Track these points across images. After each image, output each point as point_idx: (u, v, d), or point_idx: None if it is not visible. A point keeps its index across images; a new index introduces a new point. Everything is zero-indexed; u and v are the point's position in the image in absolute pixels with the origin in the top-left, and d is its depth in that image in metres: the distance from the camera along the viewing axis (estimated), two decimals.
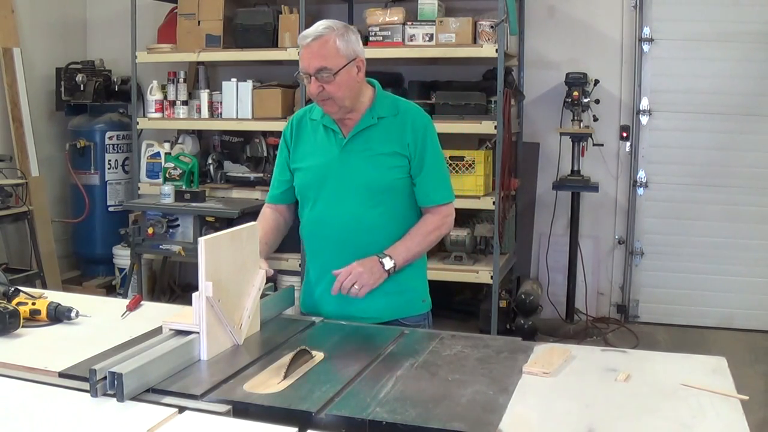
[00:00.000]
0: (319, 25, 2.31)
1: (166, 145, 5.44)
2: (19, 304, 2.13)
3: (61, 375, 1.75)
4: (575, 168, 5.09)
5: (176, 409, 1.59)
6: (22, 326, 2.06)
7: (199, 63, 5.59)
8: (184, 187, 5.04)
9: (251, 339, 2.07)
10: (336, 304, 2.37)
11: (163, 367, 1.75)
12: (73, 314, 2.17)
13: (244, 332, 2.04)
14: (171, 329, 1.97)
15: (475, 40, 4.70)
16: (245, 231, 2.09)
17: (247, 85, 5.14)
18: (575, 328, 5.13)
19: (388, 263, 2.31)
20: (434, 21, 4.73)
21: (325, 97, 2.30)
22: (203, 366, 1.86)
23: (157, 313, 2.26)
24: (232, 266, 2.00)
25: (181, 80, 5.34)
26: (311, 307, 2.49)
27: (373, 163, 2.35)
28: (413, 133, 2.37)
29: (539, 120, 5.42)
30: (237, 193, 5.22)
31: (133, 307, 2.34)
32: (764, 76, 5.10)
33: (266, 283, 2.23)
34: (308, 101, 4.94)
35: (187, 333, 1.92)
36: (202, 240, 1.89)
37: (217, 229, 4.79)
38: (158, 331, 2.03)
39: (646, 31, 5.25)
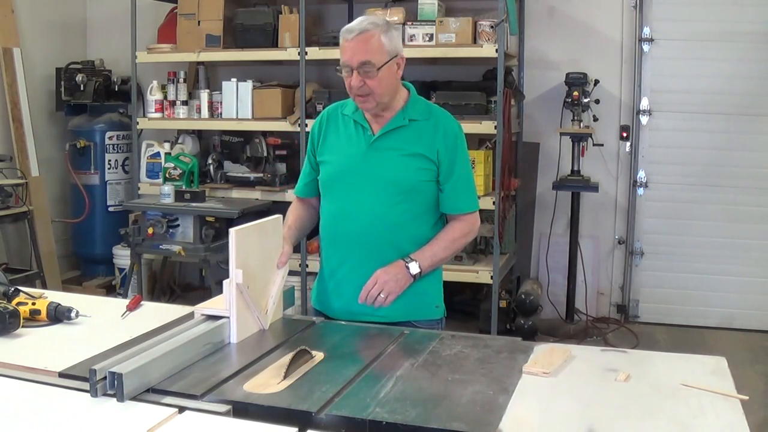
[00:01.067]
0: (363, 21, 2.31)
1: (166, 145, 5.44)
2: (19, 304, 2.13)
3: (61, 375, 1.75)
4: (575, 168, 5.09)
5: (176, 409, 1.59)
6: (22, 326, 2.06)
7: (199, 63, 5.59)
8: (184, 187, 5.04)
9: (275, 325, 2.19)
10: (346, 301, 2.38)
11: (164, 366, 1.75)
12: (73, 314, 2.17)
13: (269, 317, 2.16)
14: (203, 314, 2.09)
15: (475, 40, 4.70)
16: (270, 223, 2.22)
17: (247, 85, 5.14)
18: (575, 328, 5.13)
19: (414, 268, 2.32)
20: (434, 21, 4.73)
21: (365, 92, 2.30)
22: (206, 363, 1.86)
23: (157, 313, 2.27)
24: (259, 256, 2.12)
25: (181, 80, 5.34)
26: (322, 302, 2.49)
27: (399, 163, 2.36)
28: (444, 139, 2.38)
29: (539, 120, 5.42)
30: (237, 193, 5.22)
31: (133, 307, 2.34)
32: (764, 76, 5.10)
33: None
34: (308, 101, 4.97)
35: (218, 318, 2.04)
36: (232, 231, 2.00)
37: (217, 230, 4.86)
38: (159, 330, 2.03)
39: (646, 31, 5.25)
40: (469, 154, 2.51)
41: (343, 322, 2.30)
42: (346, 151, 2.41)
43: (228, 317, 2.02)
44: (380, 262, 2.33)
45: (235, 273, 1.99)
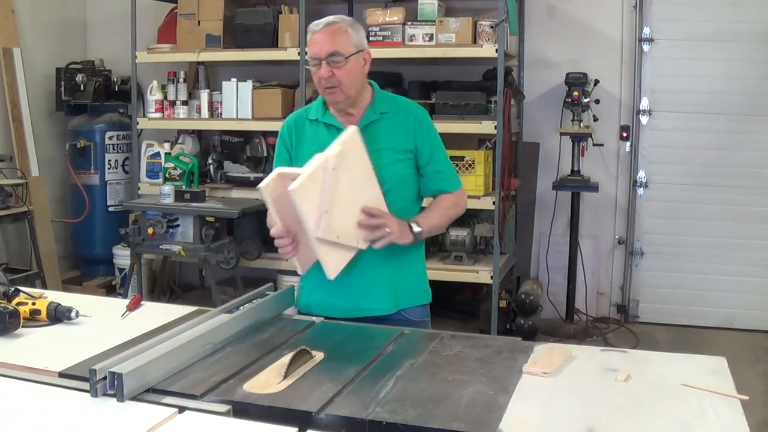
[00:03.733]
0: (330, 17, 2.37)
1: (166, 145, 5.44)
2: (19, 304, 2.13)
3: (61, 375, 1.75)
4: (575, 168, 5.09)
5: (176, 409, 1.59)
6: (22, 326, 2.06)
7: (199, 63, 5.59)
8: (184, 187, 5.04)
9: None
10: (342, 299, 2.38)
11: (164, 366, 1.75)
12: (73, 314, 2.17)
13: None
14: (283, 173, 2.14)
15: (475, 40, 4.70)
16: (347, 145, 2.18)
17: (247, 85, 5.14)
18: (575, 328, 5.13)
19: (416, 227, 2.36)
20: (434, 21, 4.72)
21: (333, 84, 2.32)
22: (206, 363, 1.86)
23: (157, 313, 2.27)
24: (350, 182, 2.17)
25: (181, 80, 5.34)
26: (320, 304, 2.43)
27: (379, 158, 2.35)
28: (417, 125, 2.43)
29: (539, 120, 5.42)
30: (237, 193, 5.21)
31: (133, 307, 2.34)
32: (764, 76, 5.10)
33: (266, 284, 2.24)
34: (308, 101, 4.96)
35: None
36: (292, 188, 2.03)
37: (216, 230, 4.86)
38: (159, 330, 2.03)
39: (646, 31, 5.25)
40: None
41: (343, 322, 2.30)
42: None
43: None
44: (368, 257, 2.34)
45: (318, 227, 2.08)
